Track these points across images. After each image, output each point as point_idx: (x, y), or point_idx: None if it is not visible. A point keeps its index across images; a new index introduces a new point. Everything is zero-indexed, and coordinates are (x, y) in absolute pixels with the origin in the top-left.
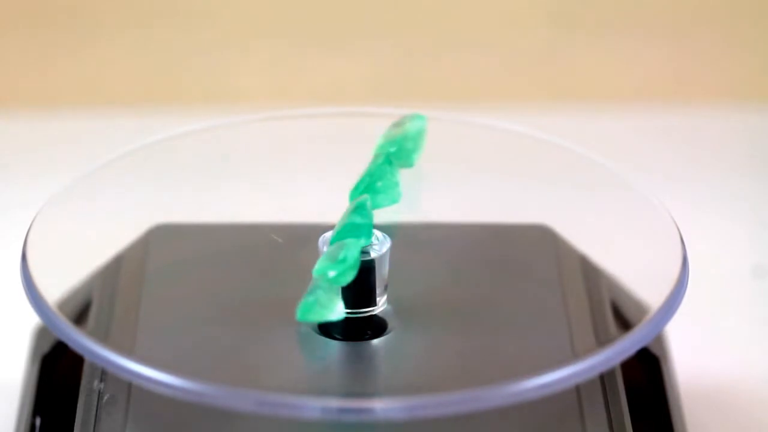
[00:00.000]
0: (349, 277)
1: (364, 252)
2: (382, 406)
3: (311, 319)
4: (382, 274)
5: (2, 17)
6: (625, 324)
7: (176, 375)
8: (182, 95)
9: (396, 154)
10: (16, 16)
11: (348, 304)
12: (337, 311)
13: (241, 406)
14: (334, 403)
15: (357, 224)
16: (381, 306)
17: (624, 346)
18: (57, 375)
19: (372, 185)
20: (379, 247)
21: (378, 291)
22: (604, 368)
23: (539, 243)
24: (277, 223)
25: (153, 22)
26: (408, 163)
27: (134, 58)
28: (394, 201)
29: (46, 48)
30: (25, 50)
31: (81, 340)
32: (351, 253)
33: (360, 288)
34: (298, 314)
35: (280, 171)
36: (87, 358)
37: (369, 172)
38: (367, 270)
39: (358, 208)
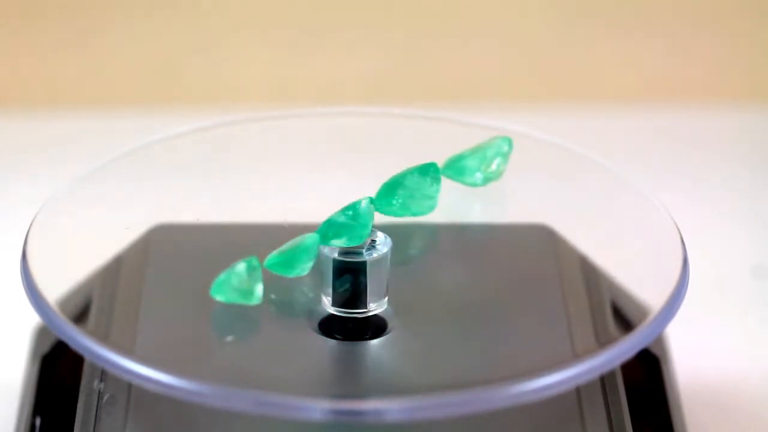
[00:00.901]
0: (290, 268)
1: (356, 252)
2: (381, 408)
3: (223, 299)
4: (382, 274)
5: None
6: (625, 324)
7: (175, 375)
8: (182, 95)
9: (449, 167)
10: (14, 14)
11: (342, 304)
12: (254, 298)
13: (240, 407)
14: (333, 404)
15: (337, 222)
16: (381, 306)
17: (625, 348)
18: (57, 375)
19: (391, 192)
20: (380, 247)
21: (379, 292)
22: (604, 370)
23: (539, 243)
24: (277, 223)
25: (151, 22)
26: (468, 180)
27: (134, 57)
28: (419, 213)
29: (45, 47)
30: (24, 49)
31: (81, 339)
32: (299, 245)
33: (353, 289)
34: (212, 289)
35: (280, 171)
36: (87, 357)
37: (392, 179)
38: (358, 271)
39: (347, 208)
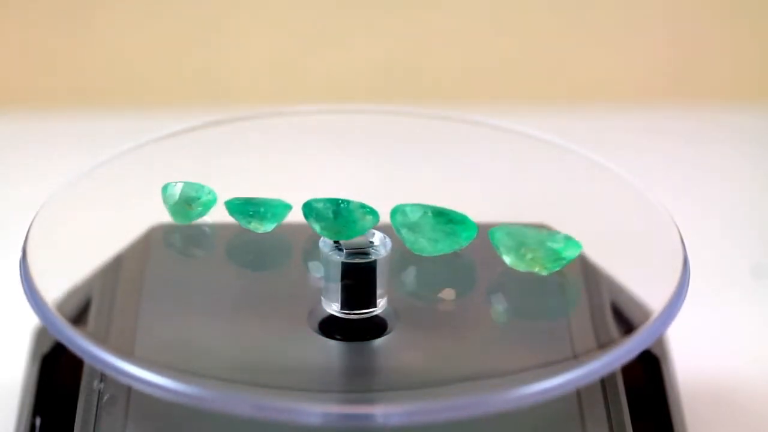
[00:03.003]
0: (242, 214)
1: (357, 253)
2: (382, 412)
3: (163, 199)
4: (382, 275)
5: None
6: (625, 324)
7: (174, 379)
8: (183, 93)
9: (495, 234)
10: (13, 15)
11: (342, 304)
12: (183, 218)
13: (239, 411)
14: (333, 408)
15: (313, 206)
16: (381, 306)
17: (626, 350)
18: (57, 375)
19: (410, 218)
20: (380, 248)
21: (379, 292)
22: (606, 372)
23: None
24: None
25: (151, 20)
26: (502, 254)
27: (135, 56)
28: (419, 250)
29: (44, 46)
30: (24, 49)
31: (79, 341)
32: (264, 200)
33: (353, 289)
34: (164, 187)
35: (279, 169)
36: (85, 360)
37: (419, 210)
38: (358, 271)
39: (332, 200)
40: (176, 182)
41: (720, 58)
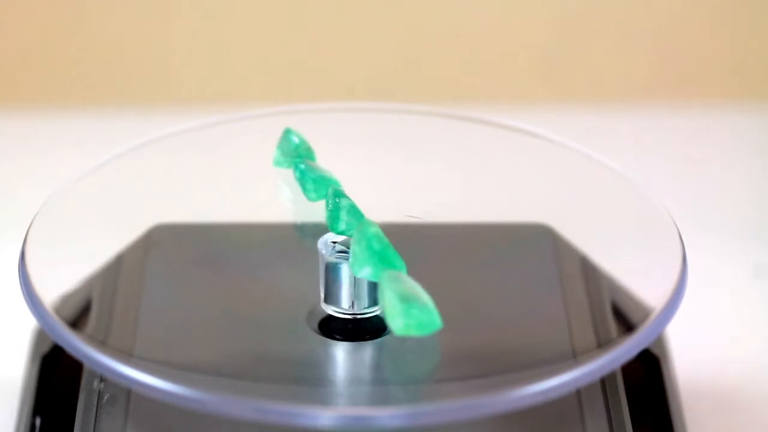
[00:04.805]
0: (302, 177)
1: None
2: (383, 415)
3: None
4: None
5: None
6: (624, 323)
7: (173, 382)
8: (183, 92)
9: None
10: (13, 14)
11: (342, 305)
12: (276, 161)
13: (240, 414)
14: (333, 411)
15: (332, 194)
16: (380, 307)
17: (626, 349)
18: (57, 375)
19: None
20: None
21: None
22: (606, 372)
23: (539, 243)
24: (277, 223)
25: (151, 22)
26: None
27: (134, 55)
28: (351, 262)
29: (44, 45)
30: (24, 49)
31: (78, 344)
32: (328, 174)
33: (352, 289)
34: (285, 132)
35: (280, 169)
36: (84, 363)
37: (365, 221)
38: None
39: (339, 193)
40: (296, 134)
41: (719, 57)
